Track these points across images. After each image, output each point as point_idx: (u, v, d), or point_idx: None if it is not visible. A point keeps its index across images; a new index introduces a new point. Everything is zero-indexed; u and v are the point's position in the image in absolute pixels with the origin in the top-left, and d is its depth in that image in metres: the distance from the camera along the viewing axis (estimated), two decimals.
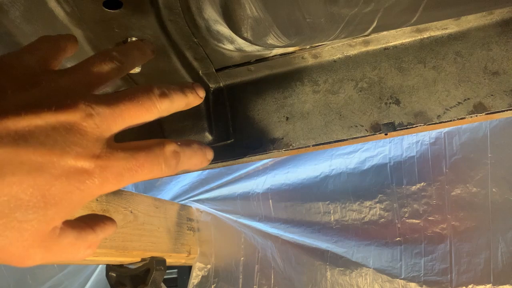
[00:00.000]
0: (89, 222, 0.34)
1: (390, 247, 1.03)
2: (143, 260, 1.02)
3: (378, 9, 0.41)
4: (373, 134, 0.61)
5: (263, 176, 1.26)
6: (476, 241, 0.95)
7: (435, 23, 0.59)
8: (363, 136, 0.62)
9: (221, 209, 1.26)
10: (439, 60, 0.60)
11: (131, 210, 0.95)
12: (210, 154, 0.38)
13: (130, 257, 0.98)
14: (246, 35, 0.48)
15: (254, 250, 1.19)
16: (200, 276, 1.23)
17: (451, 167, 1.01)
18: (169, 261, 1.09)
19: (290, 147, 0.64)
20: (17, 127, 0.27)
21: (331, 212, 1.13)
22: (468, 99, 0.59)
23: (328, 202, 1.14)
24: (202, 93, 0.39)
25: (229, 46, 0.58)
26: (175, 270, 1.48)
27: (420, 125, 0.60)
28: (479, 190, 0.98)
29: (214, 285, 1.21)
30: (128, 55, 0.37)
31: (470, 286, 0.93)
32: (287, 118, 0.65)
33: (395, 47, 0.62)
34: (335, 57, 0.64)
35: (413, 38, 0.61)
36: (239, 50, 0.60)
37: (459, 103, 0.59)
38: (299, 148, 0.64)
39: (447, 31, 0.60)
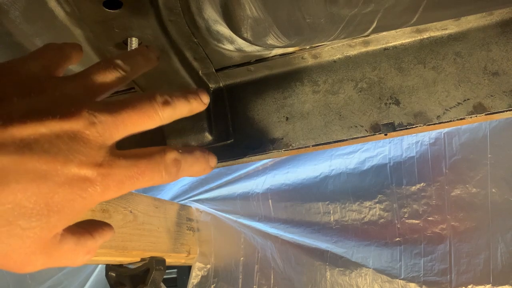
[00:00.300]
0: (88, 228, 0.34)
1: (390, 248, 1.03)
2: (142, 260, 1.02)
3: (378, 9, 0.41)
4: (373, 135, 0.61)
5: (262, 176, 1.26)
6: (475, 242, 0.95)
7: (435, 23, 0.59)
8: (363, 137, 0.62)
9: (221, 209, 1.26)
10: (439, 61, 0.60)
11: (131, 210, 0.94)
12: (213, 161, 0.38)
13: (130, 257, 0.98)
14: (246, 35, 0.48)
15: (254, 250, 1.19)
16: (199, 276, 1.23)
17: (451, 167, 1.01)
18: (169, 261, 1.09)
19: (290, 147, 0.64)
20: (22, 135, 0.27)
21: (331, 212, 1.13)
22: (468, 99, 0.59)
23: (327, 202, 1.14)
24: (206, 99, 0.39)
25: (229, 46, 0.58)
26: (175, 270, 1.48)
27: (420, 126, 0.60)
28: (479, 191, 0.98)
29: (214, 285, 1.21)
30: (132, 64, 0.37)
31: (469, 286, 0.93)
32: (287, 118, 0.65)
33: (395, 47, 0.62)
34: (335, 58, 0.64)
35: (413, 39, 0.61)
36: (239, 50, 0.60)
37: (458, 103, 0.59)
38: (299, 148, 0.64)
39: (447, 32, 0.60)
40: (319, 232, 1.13)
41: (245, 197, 1.25)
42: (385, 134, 0.61)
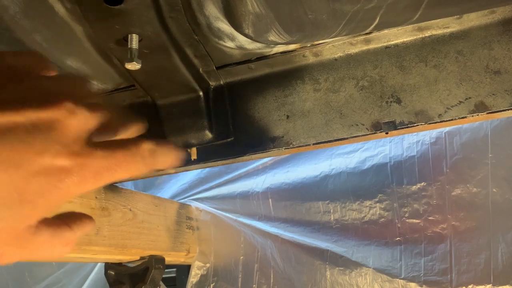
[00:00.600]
0: (66, 219, 0.33)
1: (390, 247, 1.03)
2: (142, 258, 1.01)
3: (381, 5, 0.41)
4: (374, 133, 0.61)
5: (262, 175, 1.25)
6: (476, 241, 0.95)
7: (436, 21, 0.58)
8: (364, 135, 0.62)
9: (221, 208, 1.26)
10: (440, 59, 0.60)
11: (130, 208, 0.94)
12: (182, 154, 0.38)
13: (129, 255, 0.97)
14: (247, 32, 0.48)
15: (254, 249, 1.18)
16: (199, 275, 1.23)
17: (452, 167, 1.01)
18: (168, 259, 1.09)
19: (291, 145, 0.64)
20: None
21: (331, 211, 1.13)
22: (470, 98, 0.58)
23: (328, 201, 1.14)
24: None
25: (230, 44, 0.58)
26: (174, 269, 1.48)
27: (421, 124, 0.60)
28: (480, 190, 0.97)
29: (213, 284, 1.21)
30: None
31: (470, 286, 0.93)
32: (288, 117, 0.65)
33: (396, 45, 0.61)
34: (336, 56, 0.63)
35: (415, 37, 0.61)
36: (240, 47, 0.59)
37: (460, 102, 0.59)
38: (299, 146, 0.64)
39: (449, 30, 0.59)
40: (319, 231, 1.13)
41: (245, 196, 1.24)
42: (386, 133, 0.61)
